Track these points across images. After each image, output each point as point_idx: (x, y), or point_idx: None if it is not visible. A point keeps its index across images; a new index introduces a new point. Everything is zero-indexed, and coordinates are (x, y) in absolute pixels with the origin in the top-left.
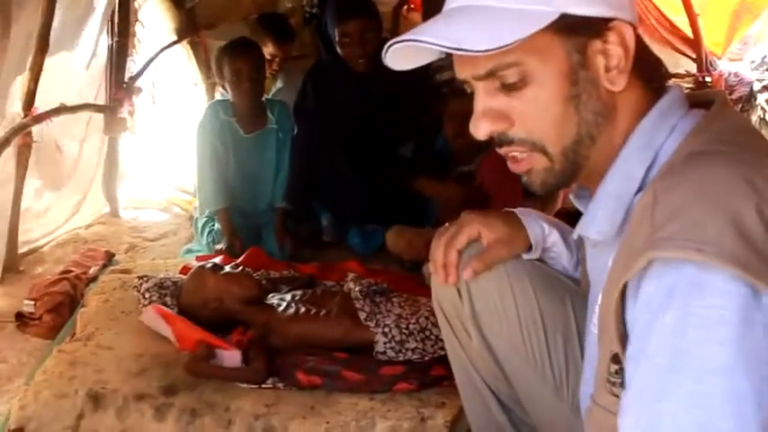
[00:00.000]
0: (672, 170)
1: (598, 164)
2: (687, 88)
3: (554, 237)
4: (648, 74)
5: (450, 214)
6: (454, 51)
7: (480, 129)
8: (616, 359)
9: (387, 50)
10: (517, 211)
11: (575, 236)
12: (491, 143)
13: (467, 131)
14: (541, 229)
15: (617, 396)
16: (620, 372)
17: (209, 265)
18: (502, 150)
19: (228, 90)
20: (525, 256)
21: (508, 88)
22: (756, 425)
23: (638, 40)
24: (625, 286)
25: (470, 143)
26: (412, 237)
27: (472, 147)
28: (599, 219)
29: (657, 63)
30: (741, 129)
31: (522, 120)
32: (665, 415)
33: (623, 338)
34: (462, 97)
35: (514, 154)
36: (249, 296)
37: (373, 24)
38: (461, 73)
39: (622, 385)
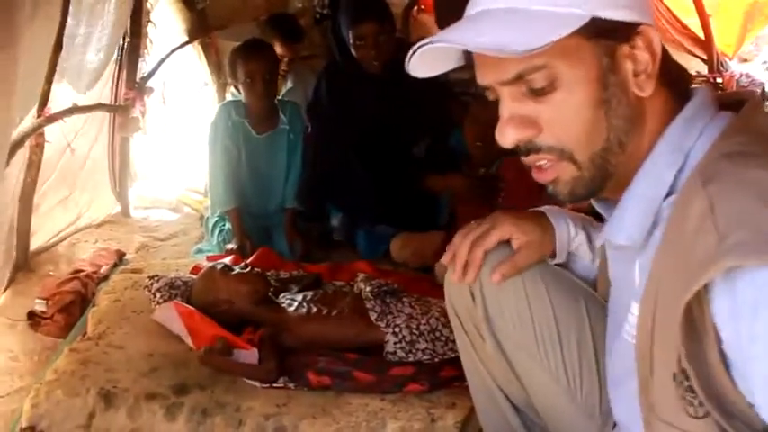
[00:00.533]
0: (713, 174)
1: (625, 172)
2: None
3: (579, 239)
4: (673, 79)
5: (462, 206)
6: (493, 53)
7: (507, 136)
8: (686, 375)
9: (413, 54)
10: (546, 209)
11: (599, 242)
12: (513, 150)
13: (487, 138)
14: (568, 232)
15: (692, 416)
16: (692, 390)
17: (220, 265)
18: (528, 159)
19: (242, 91)
20: (550, 261)
21: (536, 93)
22: None
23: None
24: (696, 298)
25: (490, 149)
26: (417, 245)
27: (492, 152)
28: (627, 224)
29: (680, 68)
30: None
31: (550, 126)
32: None
33: (695, 353)
34: (484, 103)
35: (540, 163)
36: (259, 296)
37: (387, 27)
38: (485, 78)
39: (700, 404)
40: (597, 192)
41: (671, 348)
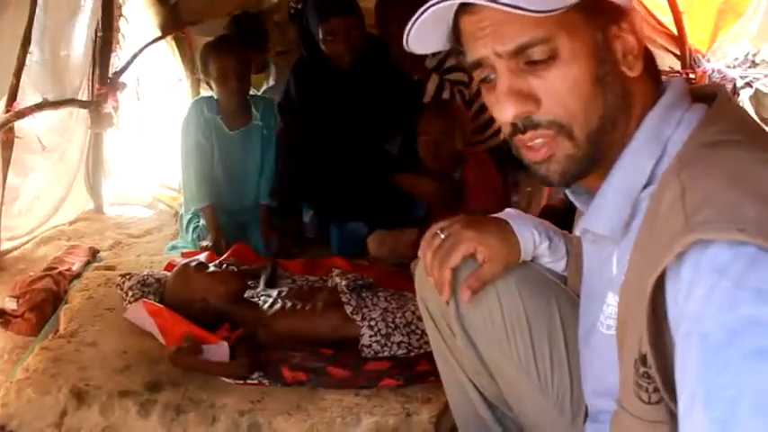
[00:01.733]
0: (689, 162)
1: (606, 160)
2: None
3: (543, 247)
4: (651, 66)
5: (435, 209)
6: (510, 10)
7: (507, 111)
8: (644, 360)
9: (417, 18)
10: (509, 216)
11: (577, 232)
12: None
13: (441, 148)
14: (533, 239)
15: (644, 402)
16: (648, 376)
17: (194, 263)
18: (525, 137)
19: (213, 88)
20: None
21: (536, 67)
22: None
23: None
24: (659, 282)
25: (445, 159)
26: (393, 242)
27: (447, 162)
28: (605, 213)
29: (653, 57)
30: (746, 121)
31: (549, 100)
32: (739, 400)
33: (656, 337)
34: (433, 114)
35: (536, 141)
36: (235, 294)
37: (356, 21)
38: (484, 48)
39: (654, 390)
40: (586, 173)
41: (636, 334)
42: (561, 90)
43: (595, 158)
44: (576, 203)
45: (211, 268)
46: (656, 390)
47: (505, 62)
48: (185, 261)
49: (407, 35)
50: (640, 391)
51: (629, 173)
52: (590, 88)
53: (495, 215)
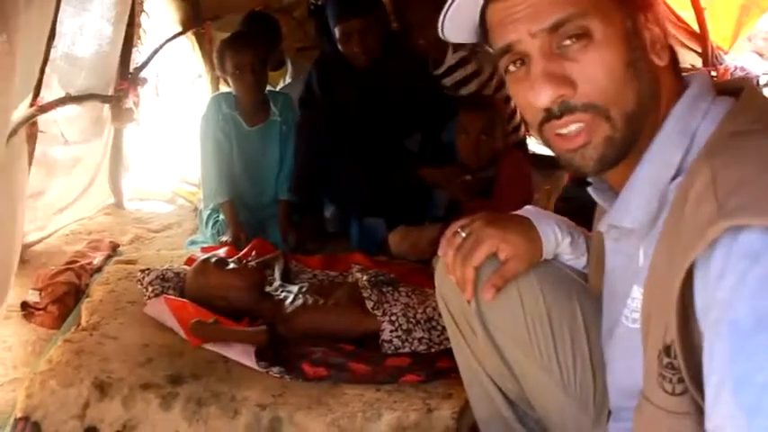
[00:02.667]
0: (720, 150)
1: (635, 151)
2: None
3: (565, 244)
4: (675, 59)
5: (457, 203)
6: None
7: (542, 95)
8: (668, 351)
9: (449, 7)
10: (529, 213)
11: (602, 228)
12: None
13: (480, 146)
14: (555, 237)
15: (669, 393)
16: (672, 366)
17: (214, 258)
18: (561, 121)
19: (231, 83)
20: None
21: (570, 48)
22: None
23: None
24: (690, 270)
25: (484, 157)
26: (415, 238)
27: (485, 159)
28: (633, 206)
29: (675, 52)
30: None
31: (584, 83)
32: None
33: (682, 326)
34: (472, 113)
35: (570, 128)
36: (255, 290)
37: (374, 22)
38: (515, 33)
39: (679, 381)
40: (622, 157)
41: (662, 325)
42: (596, 73)
43: (631, 142)
44: (599, 200)
45: (231, 264)
46: (680, 380)
47: (540, 43)
48: (205, 256)
49: (442, 24)
50: (664, 382)
51: (657, 164)
52: (623, 72)
53: (516, 212)
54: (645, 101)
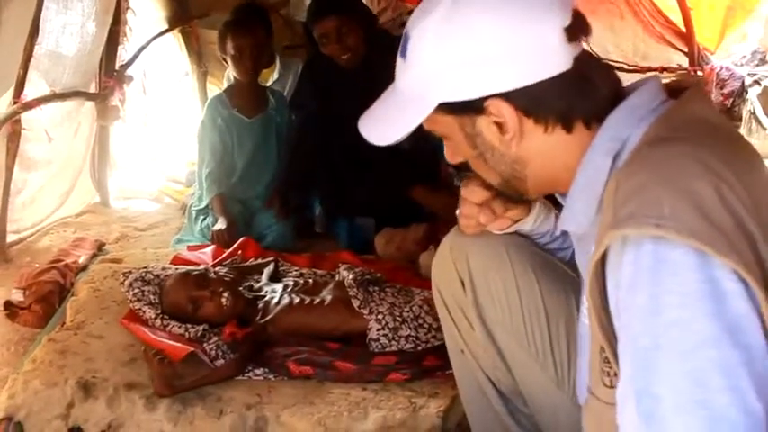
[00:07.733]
0: (632, 159)
1: (563, 175)
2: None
3: (550, 221)
4: (584, 99)
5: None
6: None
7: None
8: (603, 349)
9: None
10: None
11: (557, 232)
12: None
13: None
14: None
15: (607, 386)
16: (607, 360)
17: (195, 272)
18: None
19: (229, 64)
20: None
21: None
22: (752, 391)
23: (562, 77)
24: (603, 275)
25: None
26: (400, 240)
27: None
28: (575, 212)
29: (605, 77)
30: (702, 117)
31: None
32: (663, 398)
33: (605, 328)
34: None
35: None
36: (233, 314)
37: (350, 20)
38: None
39: (615, 374)
40: (526, 194)
41: (596, 328)
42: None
43: (521, 191)
44: (563, 204)
45: (211, 274)
46: (615, 374)
47: None
48: (185, 270)
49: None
50: (603, 375)
51: (590, 172)
52: (476, 163)
53: None
54: (511, 174)
